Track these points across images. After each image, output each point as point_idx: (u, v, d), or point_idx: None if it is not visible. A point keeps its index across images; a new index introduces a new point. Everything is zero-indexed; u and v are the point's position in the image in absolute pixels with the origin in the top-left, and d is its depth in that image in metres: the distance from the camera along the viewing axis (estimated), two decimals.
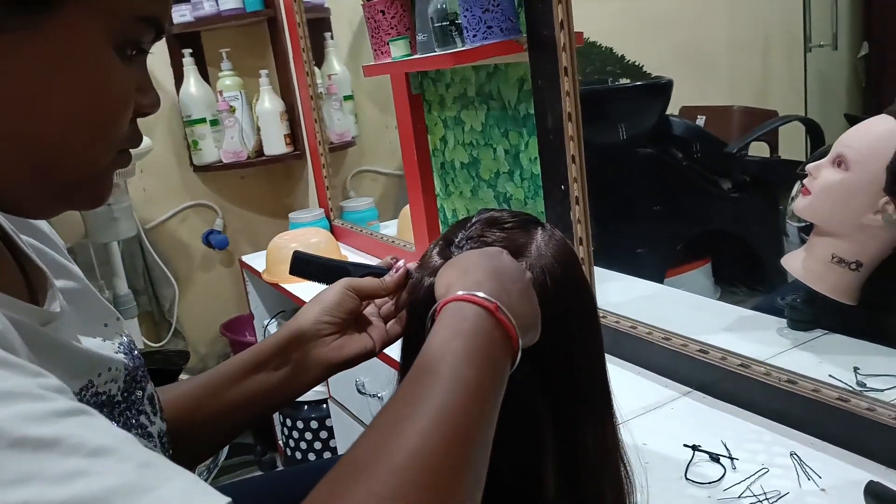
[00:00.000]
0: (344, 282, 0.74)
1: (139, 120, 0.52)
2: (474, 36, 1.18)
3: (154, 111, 0.52)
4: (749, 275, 1.33)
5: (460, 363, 0.47)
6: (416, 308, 0.63)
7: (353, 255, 2.00)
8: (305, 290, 1.75)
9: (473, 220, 0.67)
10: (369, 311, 0.77)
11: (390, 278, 0.73)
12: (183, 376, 2.01)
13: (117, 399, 0.57)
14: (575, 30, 1.08)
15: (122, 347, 0.61)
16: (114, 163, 0.50)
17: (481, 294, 0.52)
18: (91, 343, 0.57)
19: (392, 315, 0.76)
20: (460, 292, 0.52)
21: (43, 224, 0.63)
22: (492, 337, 0.50)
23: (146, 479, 0.35)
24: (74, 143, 0.46)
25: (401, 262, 0.74)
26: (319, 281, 0.78)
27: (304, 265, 0.79)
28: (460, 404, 0.44)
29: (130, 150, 0.52)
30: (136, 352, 0.64)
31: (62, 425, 0.35)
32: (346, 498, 0.38)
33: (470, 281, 0.54)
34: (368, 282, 0.74)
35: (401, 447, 0.40)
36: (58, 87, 0.44)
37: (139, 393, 0.61)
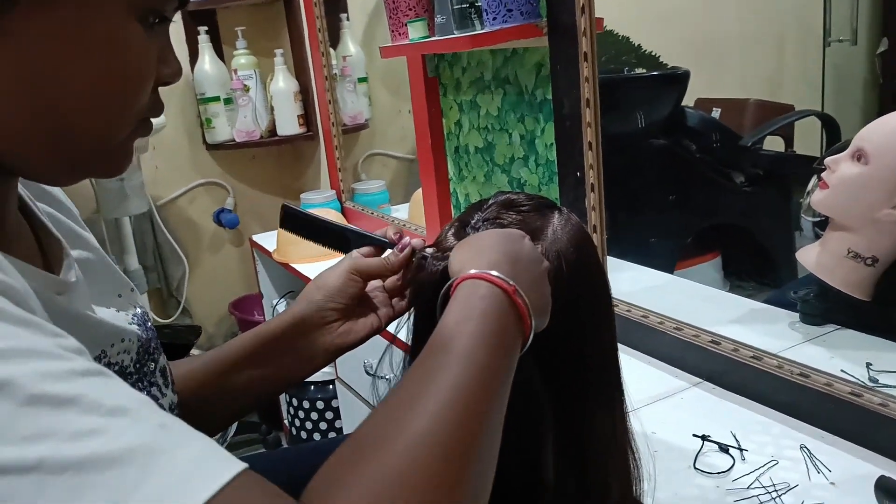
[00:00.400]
0: (347, 265, 0.71)
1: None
2: (494, 19, 1.17)
3: (176, 80, 0.52)
4: (759, 269, 1.32)
5: (474, 343, 0.46)
6: (425, 287, 0.63)
7: None
8: (315, 271, 1.75)
9: (490, 201, 0.66)
10: (373, 285, 0.75)
11: (395, 258, 0.70)
12: (194, 352, 2.02)
13: (129, 370, 0.57)
14: (595, 16, 1.07)
15: (135, 319, 0.62)
16: (135, 132, 0.50)
17: (496, 274, 0.51)
18: (105, 313, 0.57)
19: (398, 291, 0.74)
20: (474, 270, 0.52)
21: (58, 191, 0.63)
22: (507, 318, 0.50)
23: (164, 439, 0.35)
24: (97, 112, 0.46)
25: (406, 240, 0.71)
26: (312, 240, 0.73)
27: (294, 220, 0.74)
28: (472, 385, 0.44)
29: (151, 120, 0.52)
30: (149, 324, 0.64)
31: (80, 384, 0.35)
32: (355, 476, 0.37)
33: (486, 260, 0.53)
34: (372, 263, 0.71)
35: (412, 426, 0.40)
36: (79, 56, 0.44)
37: (151, 365, 0.61)
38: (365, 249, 0.72)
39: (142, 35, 0.47)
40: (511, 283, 0.51)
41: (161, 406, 0.61)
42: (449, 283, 0.54)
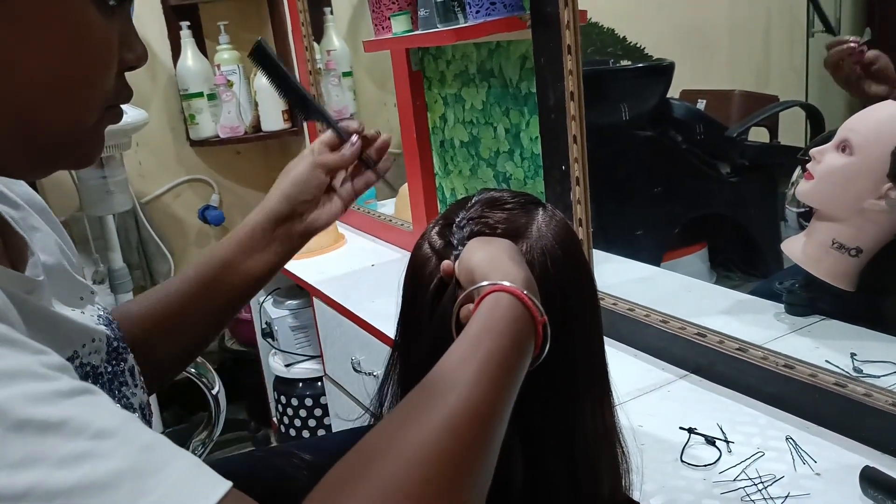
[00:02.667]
0: (312, 161, 0.81)
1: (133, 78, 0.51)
2: (477, 12, 1.16)
3: (141, 64, 0.51)
4: (745, 260, 1.32)
5: (495, 360, 0.47)
6: (421, 281, 0.63)
7: (350, 233, 1.99)
8: (301, 267, 1.74)
9: (473, 199, 0.66)
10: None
11: (349, 152, 0.81)
12: None
13: (100, 370, 0.57)
14: (579, 8, 1.06)
15: (101, 320, 0.61)
16: (103, 119, 0.49)
17: (529, 295, 0.51)
18: (72, 314, 0.57)
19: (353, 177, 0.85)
20: (508, 283, 0.52)
21: (21, 189, 0.61)
22: (528, 342, 0.51)
23: (150, 461, 0.35)
24: (58, 101, 0.45)
25: (354, 138, 0.82)
26: (275, 86, 0.82)
27: (264, 59, 0.81)
28: (481, 403, 0.44)
29: (123, 109, 0.51)
30: (114, 324, 0.63)
31: (66, 406, 0.35)
32: (353, 489, 0.37)
33: (512, 275, 0.53)
34: (333, 158, 0.81)
35: (414, 439, 0.40)
36: (36, 44, 0.43)
37: (121, 364, 0.60)
38: (328, 138, 0.82)
39: (100, 19, 0.46)
40: (541, 312, 0.52)
41: (132, 405, 0.60)
42: (475, 287, 0.54)
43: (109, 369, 0.58)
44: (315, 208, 0.82)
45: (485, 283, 0.53)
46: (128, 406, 0.60)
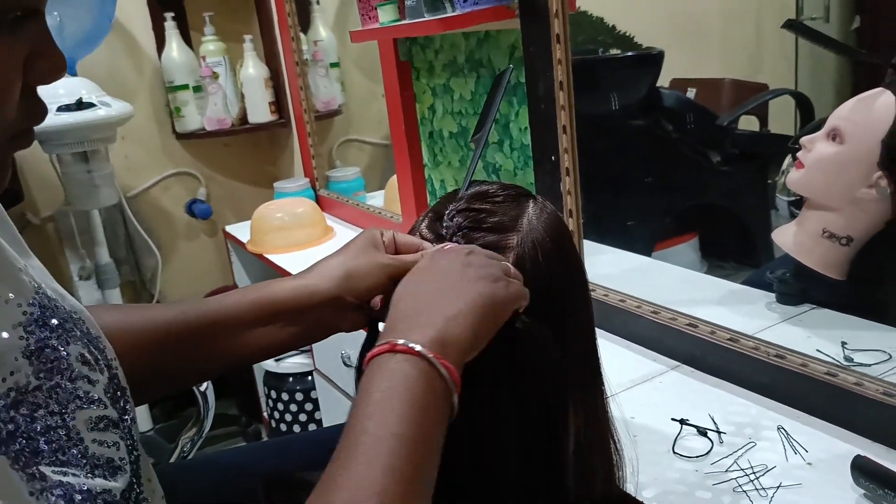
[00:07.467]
0: (386, 267, 0.64)
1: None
2: (465, 1, 1.15)
3: (56, 78, 0.45)
4: (736, 249, 1.32)
5: (399, 421, 0.45)
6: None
7: (339, 226, 1.98)
8: (290, 261, 1.73)
9: (462, 192, 0.65)
10: None
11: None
12: None
13: (32, 386, 0.47)
14: None
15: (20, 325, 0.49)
16: (9, 145, 0.44)
17: (419, 348, 0.48)
18: None
19: None
20: (401, 341, 0.49)
21: None
22: (432, 394, 0.48)
23: None
24: None
25: (429, 246, 0.65)
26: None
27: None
28: (397, 467, 0.43)
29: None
30: (47, 312, 0.51)
31: None
32: None
33: (424, 323, 0.50)
34: (408, 262, 0.64)
35: None
36: None
37: (61, 364, 0.50)
38: (402, 240, 0.67)
39: None
40: (440, 364, 0.48)
41: (93, 399, 0.51)
42: (376, 346, 0.51)
43: (44, 377, 0.48)
44: (358, 309, 0.67)
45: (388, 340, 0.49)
46: (89, 401, 0.51)
